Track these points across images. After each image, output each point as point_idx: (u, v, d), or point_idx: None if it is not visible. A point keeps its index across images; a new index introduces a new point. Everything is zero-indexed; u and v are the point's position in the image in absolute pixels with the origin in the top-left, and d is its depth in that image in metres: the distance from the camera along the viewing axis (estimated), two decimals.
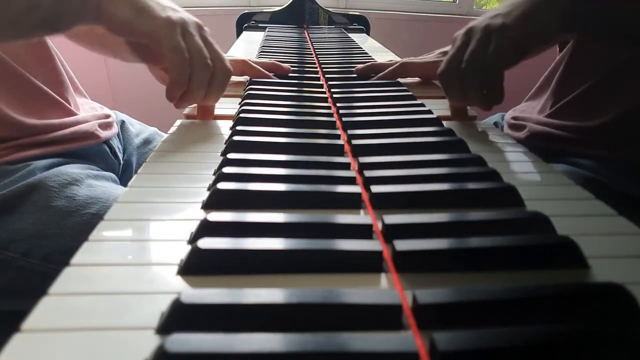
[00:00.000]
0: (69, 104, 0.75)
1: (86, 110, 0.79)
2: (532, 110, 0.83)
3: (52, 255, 0.58)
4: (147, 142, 0.88)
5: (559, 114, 0.78)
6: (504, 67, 0.56)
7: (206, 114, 0.60)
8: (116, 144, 0.82)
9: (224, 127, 0.55)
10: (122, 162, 0.82)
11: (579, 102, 0.76)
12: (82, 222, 0.59)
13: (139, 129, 0.90)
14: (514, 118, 0.84)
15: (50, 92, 0.72)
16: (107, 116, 0.81)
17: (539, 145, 0.76)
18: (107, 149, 0.78)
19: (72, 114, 0.74)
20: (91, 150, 0.75)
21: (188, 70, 0.53)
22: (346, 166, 0.43)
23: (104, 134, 0.77)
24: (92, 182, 0.64)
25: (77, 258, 0.29)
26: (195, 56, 0.53)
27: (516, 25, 0.56)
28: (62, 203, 0.60)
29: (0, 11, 0.49)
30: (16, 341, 0.23)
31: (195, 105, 0.61)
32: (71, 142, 0.71)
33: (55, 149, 0.69)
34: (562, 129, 0.75)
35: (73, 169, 0.65)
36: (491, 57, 0.55)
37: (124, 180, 0.77)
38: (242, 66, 0.76)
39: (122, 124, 0.88)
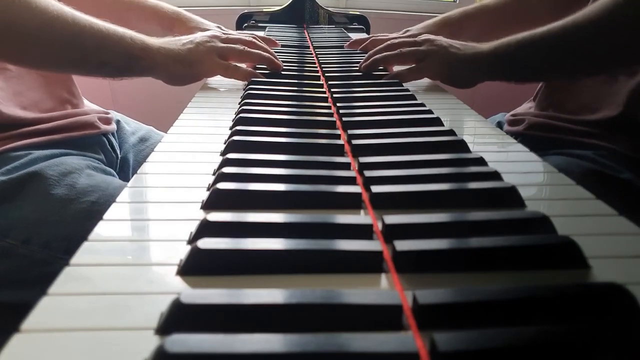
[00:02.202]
0: (74, 96, 0.78)
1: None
2: (531, 109, 0.85)
3: (52, 242, 0.59)
4: (143, 140, 0.89)
5: (556, 108, 0.80)
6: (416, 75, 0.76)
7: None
8: (113, 140, 0.83)
9: (224, 127, 0.55)
10: (119, 156, 0.83)
11: (574, 98, 0.77)
12: (81, 210, 0.60)
13: (134, 128, 0.91)
14: (514, 115, 0.86)
15: (59, 89, 0.75)
16: (106, 112, 0.84)
17: (537, 136, 0.77)
18: (106, 141, 0.80)
19: (75, 106, 0.78)
20: (92, 140, 0.77)
21: (240, 70, 0.74)
22: (346, 166, 0.43)
23: (103, 126, 0.80)
24: (91, 172, 0.66)
25: (76, 258, 0.29)
26: (236, 57, 0.75)
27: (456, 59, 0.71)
28: (62, 191, 0.61)
29: (80, 64, 0.65)
30: (15, 341, 0.23)
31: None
32: (72, 131, 0.74)
33: (56, 137, 0.71)
34: (559, 120, 0.77)
35: (73, 160, 0.67)
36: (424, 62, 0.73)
37: (121, 177, 0.78)
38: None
39: (118, 122, 0.89)
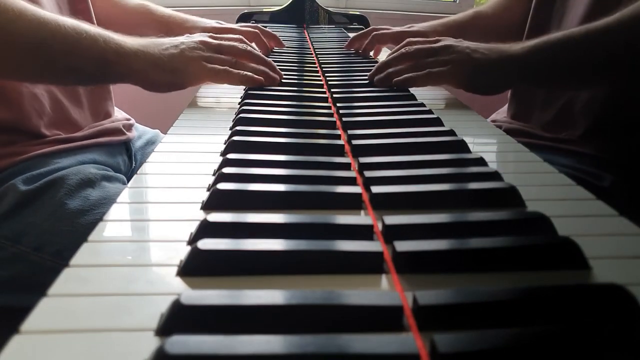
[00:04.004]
0: (110, 108, 0.81)
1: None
2: (505, 115, 0.88)
3: (63, 252, 0.59)
4: (150, 143, 0.90)
5: (522, 116, 0.83)
6: (436, 80, 0.67)
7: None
8: (131, 147, 0.85)
9: (224, 128, 0.55)
10: (134, 164, 0.84)
11: (537, 114, 0.79)
12: (94, 221, 0.60)
13: (141, 131, 0.92)
14: (493, 121, 0.89)
15: (102, 105, 0.79)
16: (128, 119, 0.85)
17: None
18: (125, 149, 0.82)
19: (110, 116, 0.81)
20: (115, 147, 0.78)
21: (233, 73, 0.66)
22: (346, 166, 0.43)
23: (127, 133, 0.81)
24: (105, 184, 0.67)
25: (76, 259, 0.29)
26: (226, 64, 0.66)
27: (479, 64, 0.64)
28: (77, 203, 0.62)
29: (46, 71, 0.60)
30: (15, 342, 0.23)
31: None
32: (100, 137, 0.75)
33: (85, 143, 0.72)
34: (531, 128, 0.78)
35: (90, 169, 0.67)
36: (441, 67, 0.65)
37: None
38: (255, 36, 0.92)
39: None
